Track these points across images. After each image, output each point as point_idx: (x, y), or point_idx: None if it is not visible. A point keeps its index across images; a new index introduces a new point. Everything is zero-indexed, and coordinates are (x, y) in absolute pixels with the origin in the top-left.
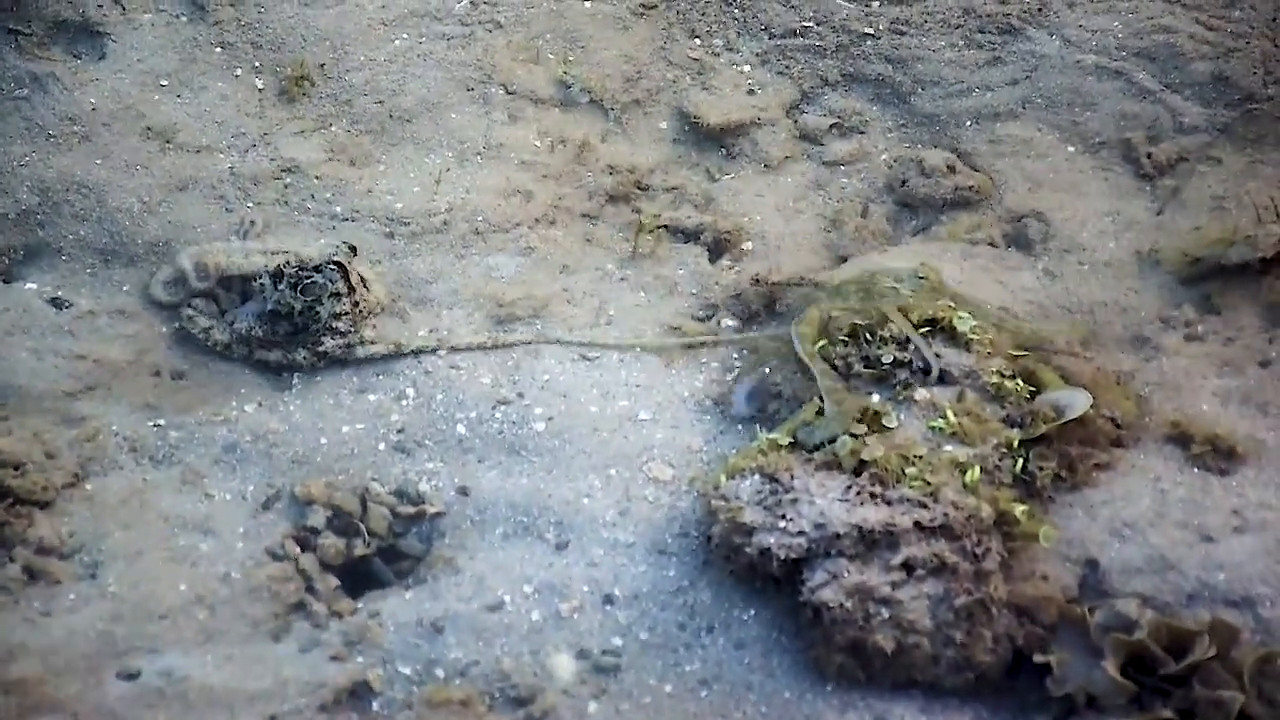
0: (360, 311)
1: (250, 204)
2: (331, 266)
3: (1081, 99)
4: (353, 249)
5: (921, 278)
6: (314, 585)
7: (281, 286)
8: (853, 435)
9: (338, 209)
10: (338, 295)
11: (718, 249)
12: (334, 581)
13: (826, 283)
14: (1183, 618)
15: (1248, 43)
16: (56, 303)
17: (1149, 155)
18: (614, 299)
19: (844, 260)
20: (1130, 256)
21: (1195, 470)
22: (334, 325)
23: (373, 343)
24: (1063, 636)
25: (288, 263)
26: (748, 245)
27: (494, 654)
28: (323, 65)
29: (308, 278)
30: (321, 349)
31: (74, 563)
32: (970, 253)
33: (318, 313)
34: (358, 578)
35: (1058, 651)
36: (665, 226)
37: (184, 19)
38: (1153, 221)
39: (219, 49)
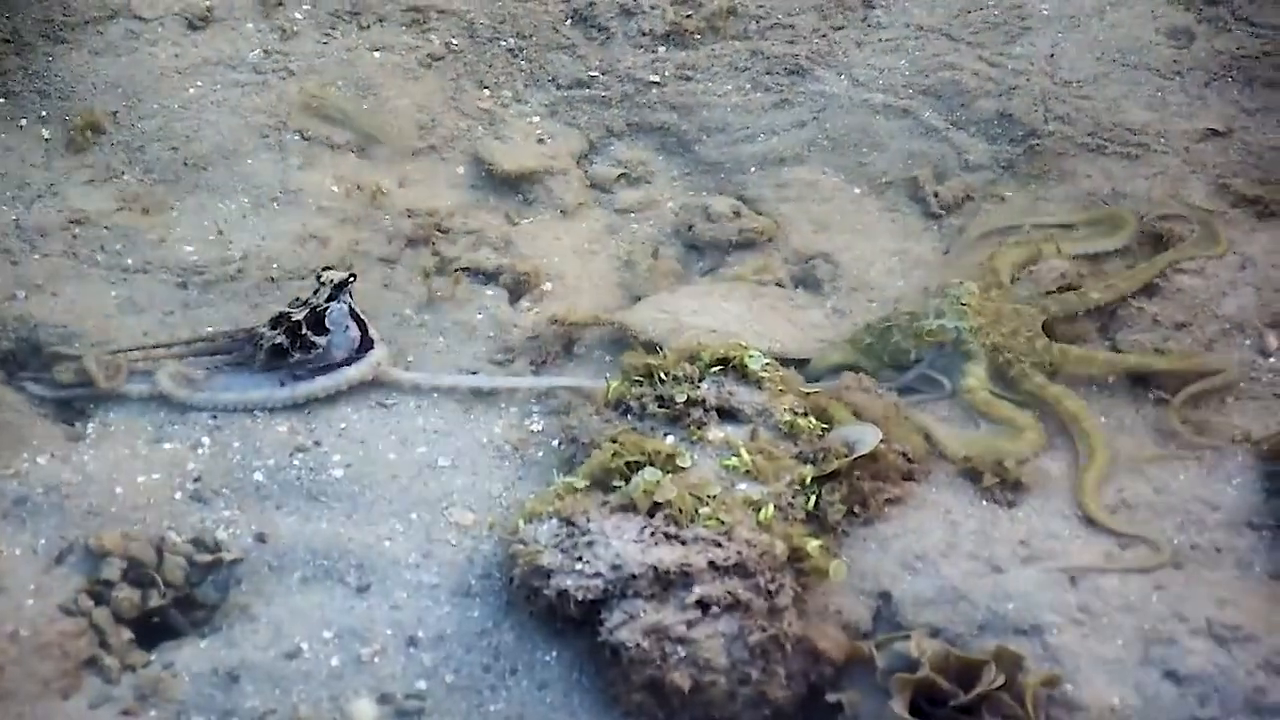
0: None
1: (37, 256)
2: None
3: (869, 139)
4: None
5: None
6: (106, 639)
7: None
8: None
9: (129, 260)
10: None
11: (517, 290)
12: (127, 634)
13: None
14: (971, 648)
15: (1028, 79)
16: None
17: (935, 194)
18: (413, 344)
19: (638, 299)
20: (919, 293)
21: (984, 502)
22: None
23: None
24: (853, 674)
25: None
26: (547, 286)
27: (291, 701)
28: (115, 113)
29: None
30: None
31: None
32: (759, 292)
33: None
34: (153, 629)
35: (849, 690)
36: (466, 269)
37: None
38: (940, 259)
39: (2, 99)
